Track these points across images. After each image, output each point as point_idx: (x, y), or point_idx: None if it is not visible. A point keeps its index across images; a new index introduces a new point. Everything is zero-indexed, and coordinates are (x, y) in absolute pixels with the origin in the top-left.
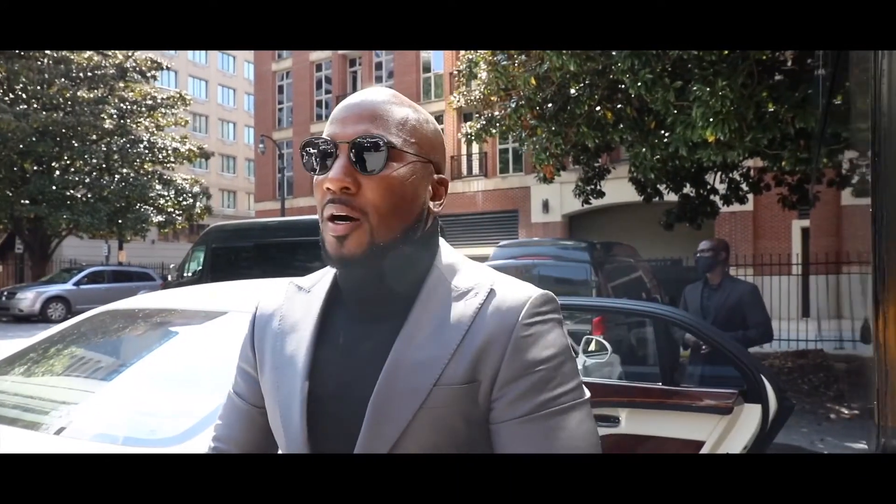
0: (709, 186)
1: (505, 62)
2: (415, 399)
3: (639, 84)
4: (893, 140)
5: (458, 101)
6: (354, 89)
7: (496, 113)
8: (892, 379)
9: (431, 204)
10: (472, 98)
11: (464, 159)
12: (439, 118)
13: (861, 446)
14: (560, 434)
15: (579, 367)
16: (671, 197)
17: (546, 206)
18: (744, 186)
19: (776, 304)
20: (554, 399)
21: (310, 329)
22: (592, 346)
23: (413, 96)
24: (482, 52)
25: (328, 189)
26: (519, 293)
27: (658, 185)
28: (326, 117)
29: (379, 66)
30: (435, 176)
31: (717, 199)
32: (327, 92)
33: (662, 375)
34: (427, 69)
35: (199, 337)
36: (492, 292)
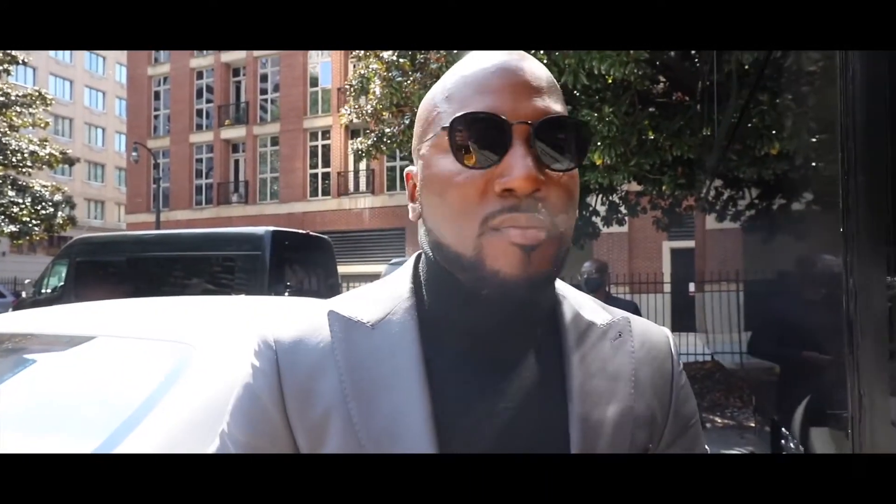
0: (591, 208)
1: (399, 78)
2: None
3: None
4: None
5: (350, 116)
6: (238, 99)
7: (387, 129)
8: (865, 403)
9: None
10: (364, 113)
11: (350, 176)
12: (326, 134)
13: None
14: None
15: None
16: None
17: None
18: (622, 209)
19: (651, 320)
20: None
21: (416, 382)
22: None
23: (299, 110)
24: (375, 66)
25: (508, 191)
26: (659, 330)
27: None
28: (207, 127)
29: (264, 77)
30: None
31: (598, 220)
32: (208, 101)
33: None
34: (315, 83)
35: (62, 366)
36: (633, 330)
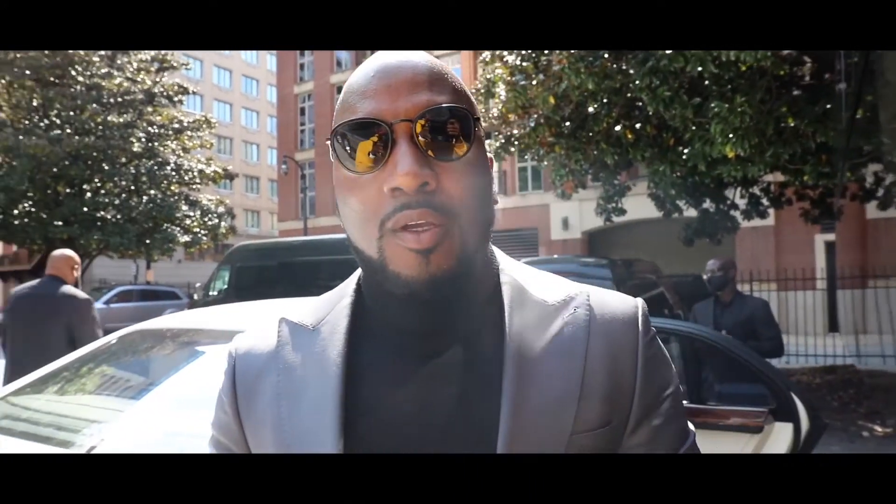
0: (729, 202)
1: (523, 82)
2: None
3: (657, 101)
4: None
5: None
6: None
7: (514, 131)
8: None
9: (495, 193)
10: (491, 117)
11: None
12: None
13: None
14: None
15: None
16: (691, 212)
17: (566, 224)
18: (764, 201)
19: (801, 319)
20: (684, 429)
21: (333, 386)
22: None
23: None
24: (500, 71)
25: (395, 190)
26: (624, 300)
27: (678, 201)
28: None
29: None
30: (489, 155)
31: (737, 214)
32: None
33: (688, 393)
34: None
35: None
36: (591, 305)
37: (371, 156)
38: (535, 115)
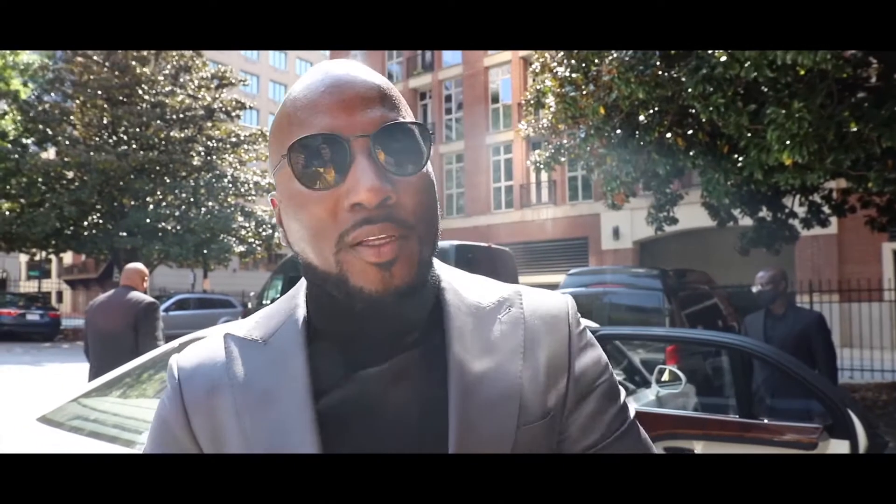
0: (787, 210)
1: (573, 93)
2: (501, 449)
3: (710, 109)
4: None
5: (527, 130)
6: (425, 121)
7: (564, 141)
8: None
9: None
10: (540, 127)
11: (533, 187)
12: (507, 148)
13: None
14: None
15: (653, 397)
16: (746, 221)
17: (616, 233)
18: (825, 209)
19: (866, 332)
20: (618, 414)
21: (302, 396)
22: (666, 377)
23: (482, 127)
24: (549, 83)
25: (356, 206)
26: (554, 297)
27: (732, 210)
28: None
29: (448, 98)
30: None
31: (796, 222)
32: None
33: (739, 407)
34: (496, 100)
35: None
36: (525, 302)
37: (329, 171)
38: (585, 126)
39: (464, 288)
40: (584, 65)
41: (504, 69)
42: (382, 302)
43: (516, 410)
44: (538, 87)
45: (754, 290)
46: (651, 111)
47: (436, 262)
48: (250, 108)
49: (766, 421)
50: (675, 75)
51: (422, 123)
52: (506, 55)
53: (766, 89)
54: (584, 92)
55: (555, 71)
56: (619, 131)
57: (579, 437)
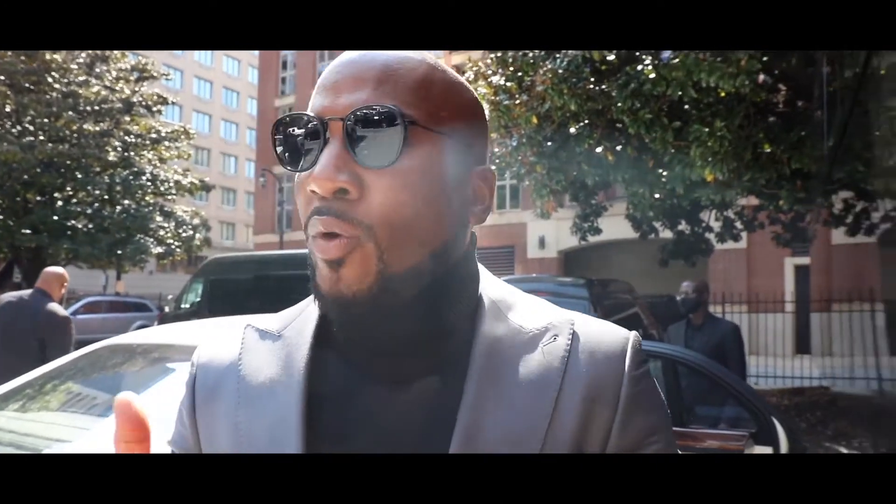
0: (704, 224)
1: (507, 102)
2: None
3: (638, 124)
4: None
5: None
6: None
7: (496, 149)
8: None
9: (472, 210)
10: None
11: None
12: None
13: None
14: None
15: None
16: (666, 234)
17: (542, 243)
18: (738, 224)
19: (770, 341)
20: None
21: (295, 397)
22: None
23: None
24: (483, 90)
25: (313, 192)
26: (614, 333)
27: (654, 223)
28: None
29: None
30: (476, 168)
31: (711, 236)
32: None
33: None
34: None
35: None
36: (575, 332)
37: (305, 153)
38: (518, 135)
39: (508, 306)
40: (518, 74)
41: None
42: (330, 306)
43: (535, 451)
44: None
45: (678, 297)
46: (582, 123)
47: (485, 273)
48: (173, 103)
49: (693, 429)
50: (605, 89)
51: (407, 111)
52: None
53: (689, 108)
54: (518, 101)
55: (489, 79)
56: (549, 142)
57: None
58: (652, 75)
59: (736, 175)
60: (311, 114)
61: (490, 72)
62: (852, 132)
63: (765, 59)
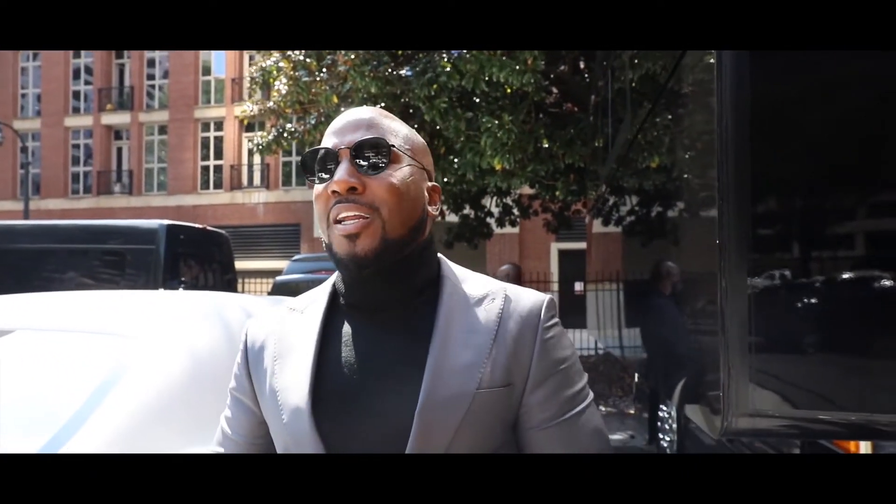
0: (486, 209)
1: (306, 78)
2: (461, 405)
3: (434, 111)
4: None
5: (252, 110)
6: (122, 83)
7: (289, 125)
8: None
9: (430, 207)
10: (267, 108)
11: (245, 169)
12: (219, 125)
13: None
14: (584, 432)
15: None
16: (451, 217)
17: None
18: (515, 211)
19: None
20: (576, 395)
21: (311, 346)
22: None
23: (190, 99)
24: (282, 64)
25: (334, 192)
26: (533, 297)
27: (443, 207)
28: (86, 110)
29: (152, 62)
30: (428, 183)
31: (492, 221)
32: (87, 83)
33: None
34: (207, 72)
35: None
36: (507, 297)
37: (323, 171)
38: (316, 113)
39: (462, 281)
40: (319, 50)
41: None
42: (350, 265)
43: (478, 375)
44: (264, 65)
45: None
46: (380, 106)
47: (447, 261)
48: None
49: None
50: (404, 75)
51: (386, 141)
52: None
53: (480, 101)
54: (318, 78)
55: (288, 54)
56: None
57: (538, 411)
58: (448, 67)
59: (520, 165)
60: (328, 146)
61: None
62: (614, 136)
63: (543, 62)
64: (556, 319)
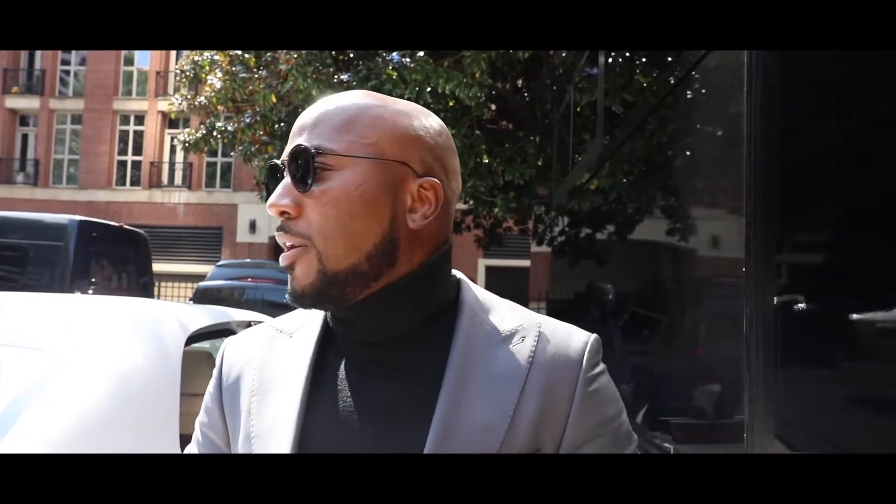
0: None
1: (244, 74)
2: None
3: None
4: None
5: (180, 104)
6: (31, 65)
7: (219, 124)
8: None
9: (411, 217)
10: (196, 105)
11: (165, 167)
12: (139, 119)
13: None
14: None
15: None
16: None
17: (253, 227)
18: None
19: None
20: None
21: (298, 387)
22: None
23: (109, 89)
24: (218, 58)
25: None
26: (575, 336)
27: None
28: None
29: None
30: (416, 180)
31: None
32: None
33: None
34: (129, 62)
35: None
36: (541, 335)
37: (271, 186)
38: (252, 111)
39: (484, 311)
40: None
41: None
42: (298, 304)
43: (498, 438)
44: (197, 58)
45: None
46: None
47: (467, 281)
48: None
49: None
50: (346, 80)
51: (319, 148)
52: None
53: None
54: (256, 76)
55: None
56: (283, 124)
57: None
58: (394, 75)
59: (462, 181)
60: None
61: None
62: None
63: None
64: (603, 367)
